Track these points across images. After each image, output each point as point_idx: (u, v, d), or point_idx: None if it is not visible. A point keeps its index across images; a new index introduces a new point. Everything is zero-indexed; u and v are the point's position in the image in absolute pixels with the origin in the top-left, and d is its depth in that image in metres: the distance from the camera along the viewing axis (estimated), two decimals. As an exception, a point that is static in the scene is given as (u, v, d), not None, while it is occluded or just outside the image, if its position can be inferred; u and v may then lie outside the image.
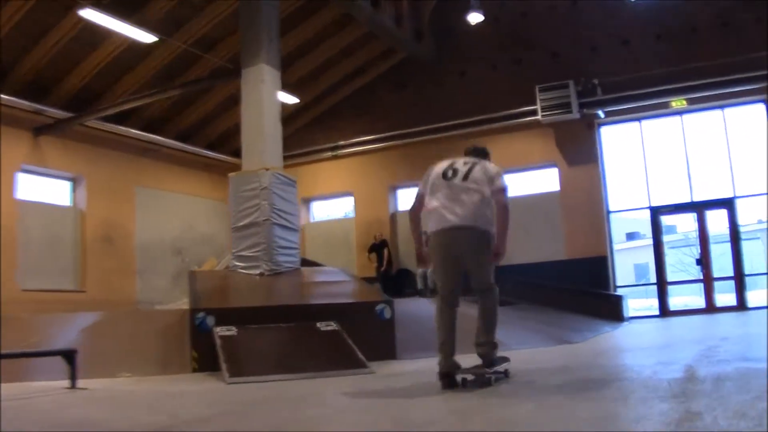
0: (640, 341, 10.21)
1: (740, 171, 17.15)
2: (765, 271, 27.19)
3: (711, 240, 18.00)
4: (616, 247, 18.27)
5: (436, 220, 5.84)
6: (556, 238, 17.61)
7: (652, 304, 17.91)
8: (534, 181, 18.85)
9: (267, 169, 12.36)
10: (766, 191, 16.69)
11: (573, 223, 17.48)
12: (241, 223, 12.34)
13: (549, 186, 18.44)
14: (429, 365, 7.20)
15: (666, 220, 34.83)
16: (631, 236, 35.54)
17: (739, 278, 16.81)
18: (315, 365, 7.83)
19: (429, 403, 5.11)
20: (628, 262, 36.19)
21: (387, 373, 7.43)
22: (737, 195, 17.07)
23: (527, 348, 9.54)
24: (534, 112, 17.41)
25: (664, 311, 17.34)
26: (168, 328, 9.13)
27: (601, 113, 17.60)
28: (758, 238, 34.89)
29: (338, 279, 12.04)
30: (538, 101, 17.26)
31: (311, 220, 21.64)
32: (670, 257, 32.98)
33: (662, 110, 17.52)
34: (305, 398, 5.76)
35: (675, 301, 19.90)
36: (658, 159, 17.91)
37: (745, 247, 17.16)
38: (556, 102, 17.14)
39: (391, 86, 19.77)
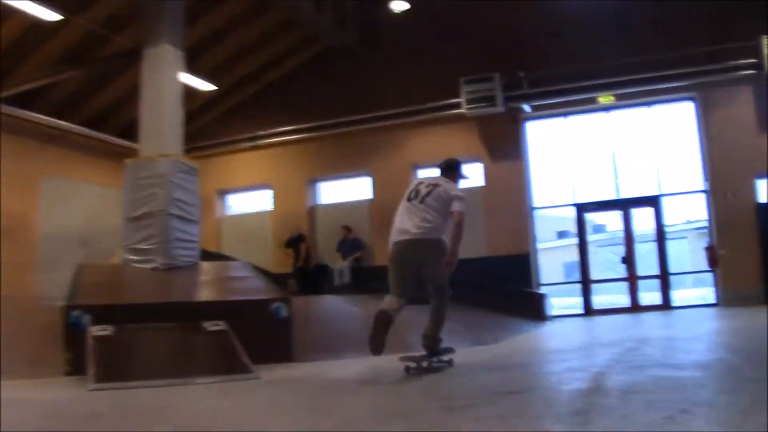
0: (556, 343, 9.77)
1: (667, 169, 16.93)
2: (690, 270, 27.58)
3: (638, 239, 17.80)
4: (546, 245, 17.93)
5: (394, 233, 7.01)
6: (478, 234, 17.09)
7: (579, 303, 17.51)
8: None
9: (165, 156, 11.55)
10: (694, 190, 16.72)
11: (496, 219, 16.99)
12: (136, 214, 11.50)
13: (472, 181, 17.69)
14: (322, 369, 6.89)
15: (596, 218, 35.30)
16: (561, 234, 35.51)
17: (664, 277, 16.52)
18: (191, 370, 7.10)
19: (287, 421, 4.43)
20: (558, 261, 36.26)
21: (272, 378, 6.78)
22: (663, 193, 16.77)
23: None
24: (458, 105, 16.84)
25: (588, 310, 16.99)
26: (46, 325, 8.29)
27: (526, 107, 17.13)
28: (685, 237, 35.25)
29: (239, 274, 11.22)
30: (462, 94, 16.68)
31: (228, 213, 20.82)
32: (599, 255, 33.27)
33: (590, 106, 17.15)
34: (159, 410, 5.04)
35: (601, 300, 19.70)
36: (585, 156, 17.56)
37: (673, 246, 16.92)
38: (481, 95, 16.59)
39: (313, 76, 18.97)
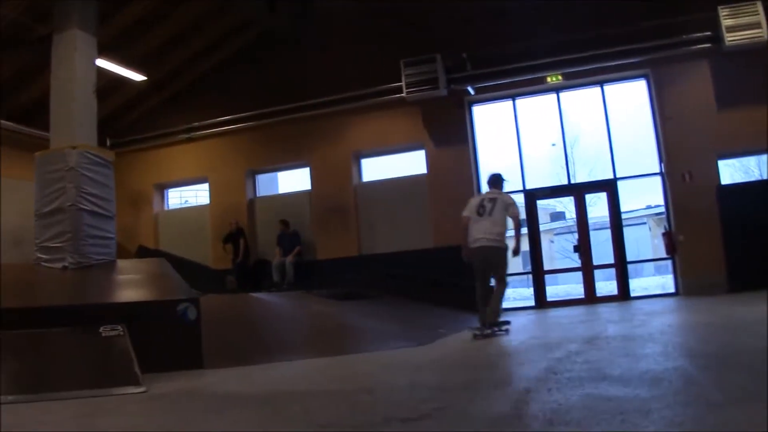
0: (493, 343, 8.77)
1: (622, 152, 16.21)
2: (651, 257, 26.98)
3: (595, 226, 17.07)
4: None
5: (472, 241, 9.77)
6: (422, 224, 16.27)
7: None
8: (399, 164, 17.53)
9: (74, 148, 10.59)
10: (651, 172, 16.14)
11: (442, 208, 16.06)
12: (46, 210, 10.59)
13: (415, 169, 17.03)
14: (226, 379, 6.41)
15: (556, 205, 34.70)
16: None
17: (621, 266, 15.70)
18: (72, 382, 6.18)
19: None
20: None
21: (162, 391, 5.87)
22: (619, 177, 15.87)
23: (369, 352, 8.20)
24: (399, 89, 15.88)
25: (541, 302, 16.11)
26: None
27: (470, 89, 16.18)
28: (645, 223, 34.81)
29: (156, 272, 10.25)
30: (402, 77, 15.69)
31: (165, 208, 19.86)
32: (557, 244, 32.70)
33: (538, 87, 16.35)
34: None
35: (557, 290, 18.97)
36: (534, 139, 16.68)
37: (632, 232, 16.19)
38: (422, 78, 15.66)
39: (249, 64, 18.05)
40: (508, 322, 10.00)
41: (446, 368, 6.30)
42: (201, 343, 7.70)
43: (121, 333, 7.01)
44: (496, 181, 10.31)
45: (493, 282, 9.89)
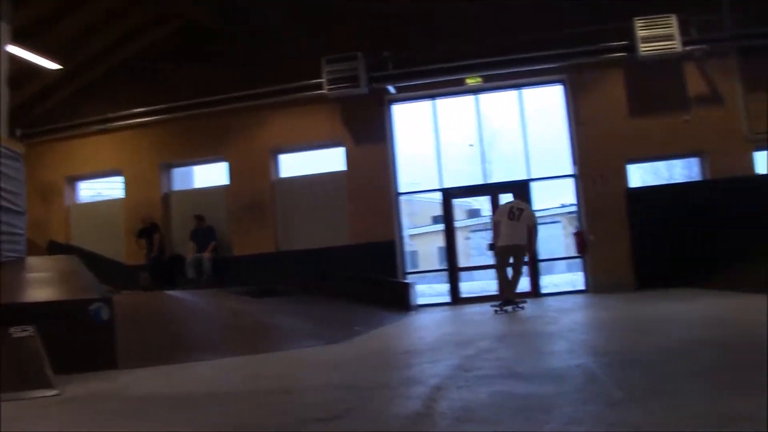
0: (409, 340, 8.94)
1: (537, 153, 16.60)
2: (563, 255, 27.55)
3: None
4: (422, 230, 17.47)
5: (504, 239, 12.13)
6: (341, 221, 16.35)
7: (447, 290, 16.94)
8: (319, 160, 17.55)
9: (-22, 139, 10.11)
10: (564, 174, 16.64)
11: (360, 205, 16.28)
12: None
13: (334, 165, 17.10)
14: (144, 378, 6.35)
15: (473, 203, 35.07)
16: (437, 220, 35.14)
17: (533, 264, 16.07)
18: None
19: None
20: (434, 246, 35.93)
21: (76, 394, 5.69)
22: (533, 178, 16.27)
23: (285, 351, 8.16)
24: (320, 86, 15.91)
25: (456, 298, 16.39)
26: None
27: (391, 89, 16.33)
28: (559, 221, 35.45)
29: (68, 270, 9.99)
30: (324, 74, 15.74)
31: (78, 201, 19.32)
32: (473, 241, 33.05)
33: (457, 88, 16.60)
34: None
35: (472, 286, 19.23)
36: (452, 139, 16.91)
37: (546, 230, 16.58)
38: (344, 75, 15.72)
39: (170, 55, 17.64)
40: (525, 301, 12.65)
41: (361, 367, 6.30)
42: (115, 343, 7.52)
43: (32, 334, 6.85)
44: (523, 193, 14.17)
45: (510, 271, 12.25)
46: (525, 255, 12.64)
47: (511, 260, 12.28)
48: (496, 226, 12.47)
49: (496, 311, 11.79)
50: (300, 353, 7.83)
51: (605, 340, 6.94)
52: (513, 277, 12.23)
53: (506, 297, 12.17)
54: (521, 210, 12.33)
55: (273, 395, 4.92)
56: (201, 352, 7.91)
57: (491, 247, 16.19)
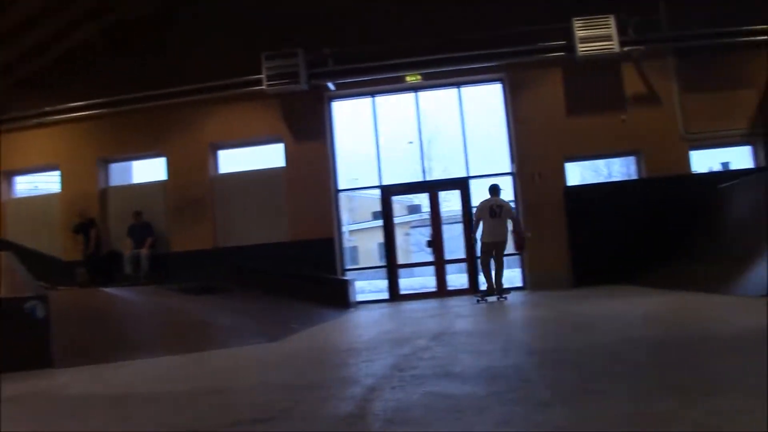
0: (347, 337, 8.94)
1: (476, 151, 16.69)
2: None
3: (449, 219, 17.50)
4: (362, 226, 17.42)
5: (487, 236, 13.27)
6: (280, 218, 16.27)
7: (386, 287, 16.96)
8: (258, 157, 17.43)
9: None
10: (502, 172, 16.59)
11: (299, 202, 16.23)
12: None
13: (273, 162, 16.98)
14: (80, 377, 6.29)
15: (412, 199, 35.20)
16: (377, 216, 35.18)
17: (471, 261, 16.19)
18: None
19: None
20: (374, 242, 35.98)
21: (10, 394, 5.50)
22: (471, 176, 16.37)
23: (222, 349, 8.08)
24: (259, 82, 15.79)
25: (395, 295, 16.42)
26: None
27: (331, 86, 16.29)
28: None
29: (2, 267, 9.80)
30: (263, 70, 15.62)
31: (13, 196, 18.84)
32: (412, 237, 33.19)
33: (397, 85, 16.63)
34: None
35: (410, 283, 19.29)
36: (392, 136, 16.93)
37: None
38: (284, 71, 15.62)
39: (108, 49, 17.28)
40: (509, 291, 13.75)
41: (296, 366, 6.28)
42: (51, 342, 7.47)
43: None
44: (497, 190, 13.72)
45: (493, 265, 13.28)
46: (505, 248, 13.54)
47: (494, 256, 13.32)
48: (477, 222, 13.46)
49: (478, 301, 13.28)
50: (238, 351, 7.77)
51: (540, 338, 6.99)
52: (497, 270, 13.30)
53: (496, 288, 13.26)
54: (500, 207, 13.39)
55: (210, 395, 4.89)
56: (138, 351, 7.83)
57: (430, 244, 16.39)
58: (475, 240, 13.70)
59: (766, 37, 15.38)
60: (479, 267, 14.05)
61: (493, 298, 13.26)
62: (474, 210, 14.32)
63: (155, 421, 4.11)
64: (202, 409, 4.37)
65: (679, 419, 3.01)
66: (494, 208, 13.27)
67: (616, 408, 3.39)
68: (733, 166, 17.35)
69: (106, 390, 5.62)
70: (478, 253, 13.93)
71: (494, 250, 13.26)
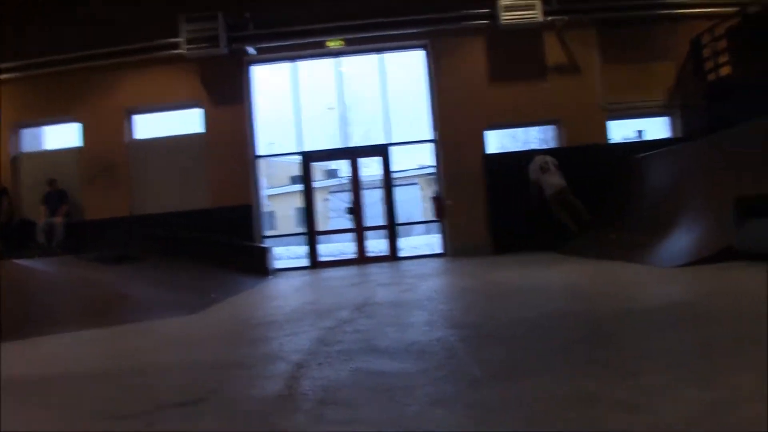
0: (268, 308, 8.71)
1: (398, 118, 16.65)
2: (421, 217, 27.93)
3: (368, 185, 17.46)
4: (279, 191, 17.14)
5: (550, 188, 14.49)
6: (200, 184, 15.94)
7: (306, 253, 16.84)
8: (177, 122, 16.94)
9: None
10: (424, 139, 16.79)
11: (218, 168, 15.93)
12: None
13: (193, 127, 16.55)
14: None
15: (330, 164, 35.06)
16: (295, 180, 34.99)
17: (391, 227, 16.22)
18: None
19: None
20: (291, 207, 35.80)
21: None
22: (393, 142, 16.32)
23: (141, 322, 7.79)
24: (178, 45, 15.35)
25: (314, 262, 16.32)
26: None
27: (251, 50, 15.96)
28: (416, 183, 35.91)
29: None
30: (182, 33, 15.21)
31: None
32: (331, 202, 33.13)
33: (319, 50, 16.37)
34: None
35: (330, 249, 19.21)
36: (313, 102, 16.72)
37: (404, 192, 16.78)
38: (203, 35, 15.23)
39: (18, 10, 16.48)
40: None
41: (219, 341, 6.11)
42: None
43: None
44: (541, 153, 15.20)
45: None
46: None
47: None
48: (536, 183, 14.76)
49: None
50: (157, 325, 7.53)
51: (464, 310, 6.96)
52: (578, 206, 14.43)
53: (584, 222, 14.35)
54: (547, 162, 14.75)
55: (131, 375, 4.66)
56: (52, 326, 7.44)
57: (350, 210, 16.32)
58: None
59: (685, 11, 15.69)
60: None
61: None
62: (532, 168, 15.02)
63: (72, 406, 3.91)
64: (123, 391, 4.17)
65: (612, 401, 3.00)
66: (545, 165, 14.74)
67: (548, 387, 3.38)
68: (648, 136, 17.77)
69: (19, 371, 5.23)
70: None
71: (562, 197, 14.53)
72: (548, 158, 14.81)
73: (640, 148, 14.97)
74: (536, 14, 15.01)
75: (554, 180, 14.53)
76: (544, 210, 14.71)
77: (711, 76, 15.54)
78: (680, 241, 10.17)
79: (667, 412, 2.76)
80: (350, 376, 4.00)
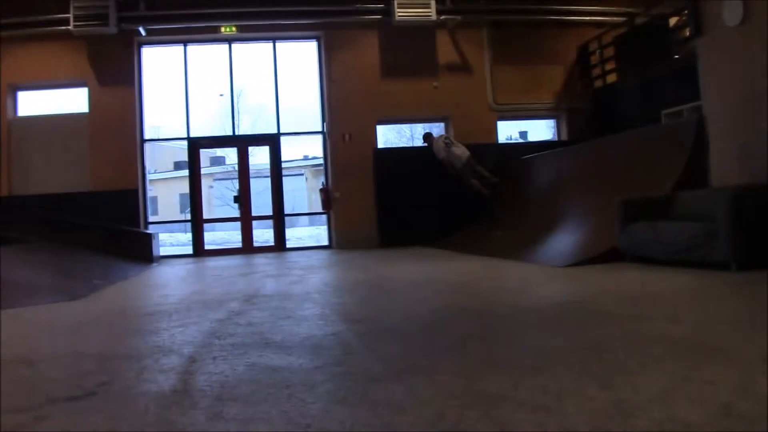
0: (155, 297, 8.44)
1: (288, 108, 16.55)
2: (307, 207, 27.94)
3: (255, 174, 17.31)
4: (163, 176, 16.72)
5: (457, 159, 14.99)
6: (81, 166, 15.41)
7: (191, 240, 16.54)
8: (58, 100, 16.31)
9: None
10: (313, 131, 16.88)
11: (102, 151, 15.45)
12: None
13: (75, 106, 16.00)
14: None
15: (216, 151, 34.59)
16: (179, 166, 34.45)
17: (279, 217, 16.10)
18: None
19: None
20: (175, 192, 35.17)
21: None
22: (282, 132, 16.19)
23: (21, 308, 7.37)
24: (65, 21, 14.74)
25: (199, 250, 16.05)
26: None
27: (142, 31, 15.54)
28: (302, 174, 35.82)
29: None
30: (71, 9, 14.62)
31: None
32: (216, 190, 32.69)
33: (212, 35, 16.12)
34: None
35: (215, 237, 18.97)
36: (203, 88, 16.49)
37: (290, 182, 16.70)
38: (93, 12, 14.68)
39: None
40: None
41: (105, 331, 5.87)
42: None
43: None
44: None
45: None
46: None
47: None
48: (446, 160, 15.12)
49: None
50: (39, 312, 7.18)
51: (357, 304, 6.89)
52: (484, 172, 15.04)
53: (493, 185, 14.99)
54: (448, 138, 15.41)
55: (14, 366, 4.37)
56: None
57: (237, 199, 16.14)
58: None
59: (574, 18, 16.12)
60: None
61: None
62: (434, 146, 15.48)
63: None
64: (7, 383, 3.95)
65: (509, 399, 3.04)
66: (446, 140, 15.27)
67: (448, 386, 3.37)
68: (531, 137, 18.26)
69: None
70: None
71: (470, 166, 14.97)
72: (444, 134, 15.59)
73: (527, 148, 15.38)
74: (430, 12, 15.17)
75: (460, 151, 15.01)
76: (430, 204, 14.95)
77: (598, 83, 16.04)
78: (567, 241, 10.44)
79: (572, 413, 2.80)
80: (247, 372, 3.88)
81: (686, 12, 11.39)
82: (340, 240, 15.75)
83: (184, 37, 16.10)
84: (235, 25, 15.86)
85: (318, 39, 16.41)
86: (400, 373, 3.72)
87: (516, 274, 8.85)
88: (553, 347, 4.18)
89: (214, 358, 4.28)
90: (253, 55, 16.70)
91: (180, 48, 16.38)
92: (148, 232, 15.28)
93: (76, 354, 4.73)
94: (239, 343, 4.79)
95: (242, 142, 16.64)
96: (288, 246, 16.59)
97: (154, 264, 14.10)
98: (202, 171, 16.75)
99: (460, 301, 6.73)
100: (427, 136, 15.80)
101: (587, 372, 3.48)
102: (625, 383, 3.20)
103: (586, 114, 16.34)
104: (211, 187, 33.43)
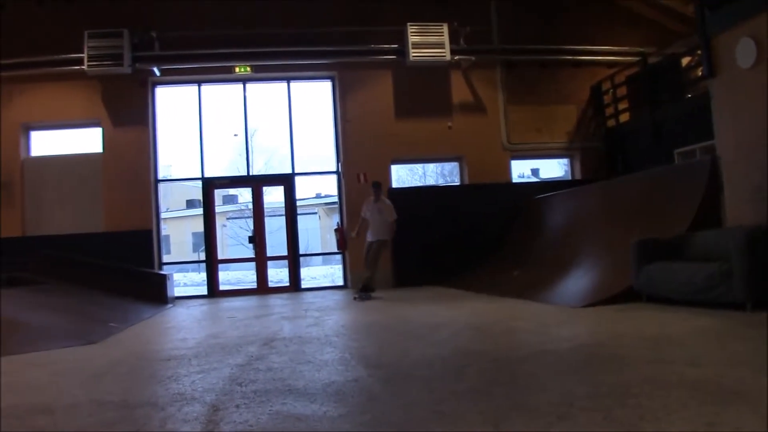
0: (171, 340, 8.38)
1: (302, 148, 16.66)
2: (320, 246, 27.89)
3: (269, 212, 17.36)
4: (176, 214, 16.77)
5: (369, 236, 13.65)
6: (95, 207, 15.47)
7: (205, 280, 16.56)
8: (72, 141, 16.38)
9: None
10: (328, 171, 16.89)
11: (116, 191, 15.54)
12: None
13: (90, 147, 16.07)
14: None
15: (229, 190, 34.68)
16: (191, 204, 34.53)
17: (293, 257, 16.10)
18: None
19: None
20: (188, 231, 35.22)
21: None
22: (297, 172, 16.26)
23: (37, 353, 7.36)
24: (79, 61, 14.91)
25: (214, 291, 16.03)
26: None
27: (156, 71, 15.67)
28: (315, 212, 35.83)
29: None
30: (85, 48, 14.79)
31: None
32: (229, 229, 32.74)
33: (226, 75, 16.24)
34: None
35: (229, 277, 18.97)
36: (217, 128, 16.59)
37: (303, 222, 16.79)
38: (107, 52, 14.86)
39: None
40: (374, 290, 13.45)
41: (123, 377, 5.77)
42: None
43: None
44: (377, 186, 13.77)
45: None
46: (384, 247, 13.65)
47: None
48: (363, 222, 13.77)
49: (354, 298, 13.16)
50: (55, 356, 7.12)
51: (376, 348, 6.84)
52: (371, 261, 13.51)
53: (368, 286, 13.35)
54: (381, 207, 13.51)
55: (34, 414, 4.32)
56: None
57: (251, 240, 16.15)
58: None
59: (587, 57, 16.22)
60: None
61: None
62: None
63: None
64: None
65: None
66: (372, 208, 13.59)
67: (476, 434, 3.37)
68: (543, 174, 18.30)
69: None
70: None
71: (377, 246, 13.49)
72: (384, 202, 13.80)
73: (541, 188, 15.38)
74: (444, 53, 15.31)
75: (378, 229, 13.75)
76: (446, 243, 14.94)
77: (610, 122, 16.10)
78: (583, 281, 10.42)
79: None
80: (271, 420, 3.85)
81: (699, 52, 11.46)
82: (356, 280, 15.68)
83: (199, 77, 16.23)
84: (250, 65, 15.99)
85: (332, 79, 16.53)
86: (426, 420, 3.71)
87: (533, 316, 8.79)
88: (575, 393, 4.15)
89: (237, 407, 4.25)
90: (268, 94, 16.78)
91: (194, 88, 16.49)
92: (163, 273, 15.28)
93: (97, 402, 4.66)
94: (261, 389, 4.76)
95: (257, 182, 16.70)
96: (303, 286, 16.58)
97: (169, 305, 14.06)
98: (216, 210, 16.80)
99: (479, 344, 6.68)
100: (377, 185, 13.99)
101: (612, 418, 3.46)
102: (651, 430, 3.19)
103: (599, 153, 16.40)
104: (224, 225, 33.50)
